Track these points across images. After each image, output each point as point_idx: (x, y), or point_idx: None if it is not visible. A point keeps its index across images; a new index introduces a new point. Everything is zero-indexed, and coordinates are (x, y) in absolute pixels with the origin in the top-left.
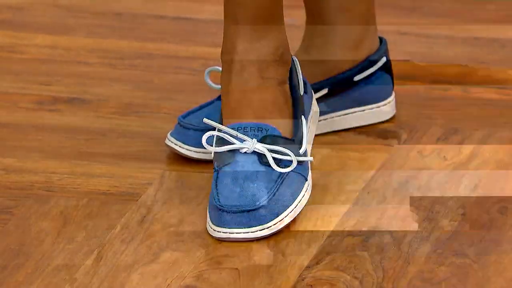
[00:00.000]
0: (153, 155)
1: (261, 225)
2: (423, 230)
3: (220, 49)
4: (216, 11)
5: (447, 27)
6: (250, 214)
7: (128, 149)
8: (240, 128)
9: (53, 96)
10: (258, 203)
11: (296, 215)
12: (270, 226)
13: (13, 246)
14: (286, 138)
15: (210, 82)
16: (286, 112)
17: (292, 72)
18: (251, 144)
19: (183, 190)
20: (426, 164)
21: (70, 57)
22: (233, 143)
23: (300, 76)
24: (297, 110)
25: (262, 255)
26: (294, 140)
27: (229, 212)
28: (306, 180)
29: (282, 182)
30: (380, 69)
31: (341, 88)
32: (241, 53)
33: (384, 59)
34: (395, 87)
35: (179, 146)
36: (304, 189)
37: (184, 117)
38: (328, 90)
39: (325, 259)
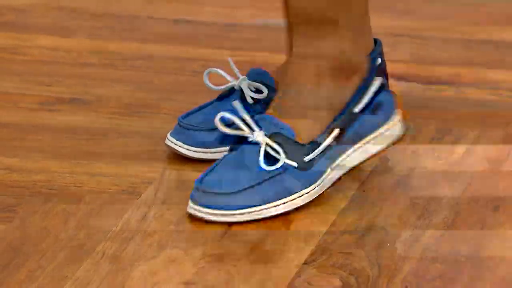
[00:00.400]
0: (153, 154)
1: (223, 210)
2: (418, 228)
3: (219, 51)
4: (216, 13)
5: (441, 29)
6: (217, 197)
7: (129, 148)
8: (261, 119)
9: (55, 97)
10: (228, 189)
11: (270, 214)
12: (233, 214)
13: (16, 244)
14: (295, 141)
15: (209, 84)
16: (318, 119)
17: (360, 89)
18: (256, 135)
19: (183, 189)
20: (420, 164)
21: (72, 58)
22: (242, 130)
23: (368, 96)
24: (335, 121)
25: (260, 252)
26: (305, 145)
27: (200, 191)
28: (306, 187)
29: (269, 178)
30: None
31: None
32: (301, 51)
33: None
34: (390, 88)
35: (179, 146)
36: (296, 194)
37: (183, 117)
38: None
39: (322, 256)
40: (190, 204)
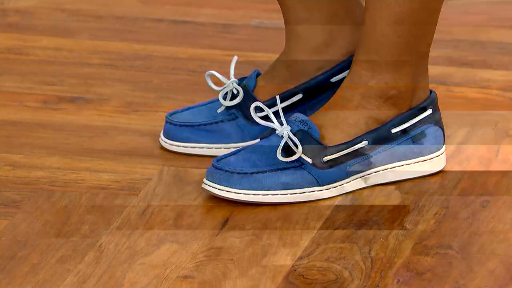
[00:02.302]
0: (152, 151)
1: (229, 187)
2: (409, 223)
3: (216, 51)
4: (213, 15)
5: None
6: (227, 175)
7: (129, 146)
8: (294, 117)
9: (58, 96)
10: (240, 169)
11: (275, 201)
12: (238, 193)
13: (20, 238)
14: (317, 141)
15: (211, 84)
16: (348, 129)
17: (406, 114)
18: (282, 128)
19: (181, 185)
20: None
21: (74, 59)
22: (272, 121)
23: (412, 122)
24: (366, 134)
25: (256, 246)
26: (327, 147)
27: (214, 167)
28: (318, 185)
29: (284, 169)
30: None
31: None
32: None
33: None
34: None
35: (169, 144)
36: (307, 189)
37: (170, 114)
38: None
39: (316, 251)
40: (204, 180)
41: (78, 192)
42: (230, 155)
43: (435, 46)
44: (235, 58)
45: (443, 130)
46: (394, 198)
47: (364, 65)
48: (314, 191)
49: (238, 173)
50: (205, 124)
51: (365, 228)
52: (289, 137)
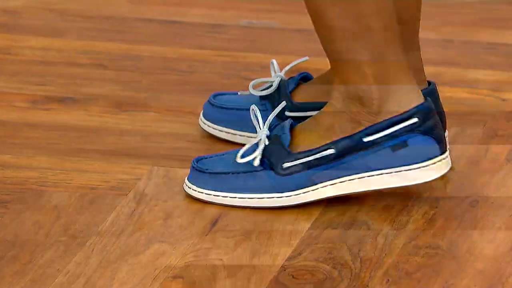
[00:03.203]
0: (141, 151)
1: (195, 186)
2: (399, 222)
3: (205, 51)
4: (202, 15)
5: (421, 30)
6: (196, 173)
7: (118, 146)
8: (281, 124)
9: (47, 96)
10: (206, 169)
11: (235, 204)
12: (201, 192)
13: (9, 238)
14: (284, 147)
15: (253, 90)
16: (319, 137)
17: (381, 124)
18: (259, 131)
19: (170, 185)
20: None
21: (63, 59)
22: (258, 125)
23: (386, 132)
24: (335, 142)
25: (246, 246)
26: (291, 153)
27: (191, 166)
28: (277, 191)
29: (246, 172)
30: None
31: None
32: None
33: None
34: None
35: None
36: (267, 195)
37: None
38: None
39: (306, 251)
40: (185, 179)
41: (67, 192)
42: (216, 156)
43: (424, 46)
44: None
45: (436, 138)
46: (383, 198)
47: (334, 69)
48: (273, 197)
49: (205, 172)
50: (237, 109)
51: (355, 228)
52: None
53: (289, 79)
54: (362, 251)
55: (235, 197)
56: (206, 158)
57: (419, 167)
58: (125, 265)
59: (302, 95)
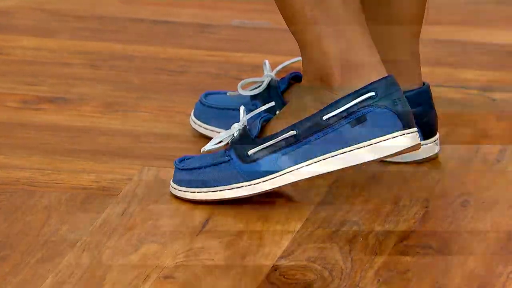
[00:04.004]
0: (132, 152)
1: (173, 183)
2: (390, 222)
3: (197, 51)
4: (193, 15)
5: None
6: (176, 171)
7: (109, 146)
8: (262, 116)
9: (38, 96)
10: (182, 166)
11: (208, 198)
12: (180, 190)
13: (0, 238)
14: (248, 135)
15: (242, 91)
16: (282, 120)
17: (337, 101)
18: (234, 124)
19: (161, 185)
20: (392, 160)
21: (54, 59)
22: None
23: (342, 108)
24: (295, 124)
25: (237, 247)
26: (255, 140)
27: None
28: (245, 180)
29: (214, 164)
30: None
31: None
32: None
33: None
34: None
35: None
36: (235, 185)
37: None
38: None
39: (297, 251)
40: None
41: (58, 193)
42: (198, 156)
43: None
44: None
45: (396, 112)
46: (374, 198)
47: (300, 48)
48: (242, 186)
49: (183, 170)
50: (228, 109)
51: (346, 228)
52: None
53: (280, 79)
54: (353, 251)
55: (208, 191)
56: (189, 158)
57: (383, 140)
58: (116, 266)
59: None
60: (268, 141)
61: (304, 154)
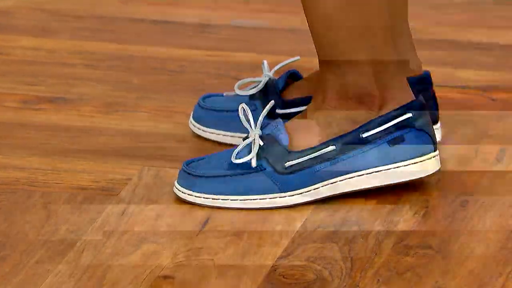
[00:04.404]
0: (132, 152)
1: (190, 190)
2: (390, 222)
3: (196, 51)
4: (193, 15)
5: (411, 31)
6: (190, 178)
7: (109, 146)
8: (272, 123)
9: (38, 96)
10: (201, 172)
11: (235, 206)
12: (198, 197)
13: (0, 238)
14: (283, 147)
15: (239, 91)
16: (317, 134)
17: (378, 119)
18: (251, 132)
19: (161, 185)
20: None
21: (54, 59)
22: (250, 125)
23: (384, 127)
24: (335, 139)
25: (236, 247)
26: (291, 152)
27: (182, 170)
28: (279, 191)
29: (245, 174)
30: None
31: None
32: (326, 77)
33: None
34: None
35: (196, 128)
36: (268, 196)
37: (203, 98)
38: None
39: (297, 251)
40: (175, 183)
41: (58, 193)
42: (202, 159)
43: (415, 47)
44: (265, 62)
45: (430, 135)
46: (374, 198)
47: (328, 67)
48: (276, 197)
49: (201, 176)
50: (226, 111)
51: (345, 228)
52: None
53: (278, 78)
54: (353, 251)
55: (236, 200)
56: (196, 161)
57: (414, 163)
58: (115, 265)
59: (293, 93)
60: (307, 155)
61: (341, 169)
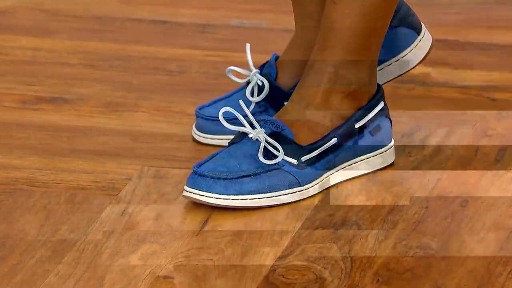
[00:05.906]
0: (132, 151)
1: (217, 194)
2: (389, 222)
3: (195, 51)
4: (192, 15)
5: None
6: (209, 180)
7: (108, 146)
8: (263, 120)
9: (37, 96)
10: (226, 175)
11: (261, 205)
12: (218, 198)
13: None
14: (294, 142)
15: (232, 76)
16: (318, 128)
17: (364, 109)
18: (256, 132)
19: (161, 185)
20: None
21: (53, 59)
22: (244, 126)
23: (370, 116)
24: (334, 131)
25: (236, 247)
26: (303, 147)
27: (197, 174)
28: (300, 185)
29: (267, 171)
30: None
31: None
32: (320, 67)
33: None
34: None
35: (203, 137)
36: (290, 190)
37: (200, 108)
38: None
39: (296, 251)
40: (186, 187)
41: (58, 192)
42: (206, 161)
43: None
44: (248, 46)
45: (391, 122)
46: (373, 198)
47: (328, 63)
48: (296, 191)
49: (224, 178)
50: (236, 118)
51: (345, 228)
52: (266, 140)
53: (267, 66)
54: (353, 251)
55: (263, 197)
56: (205, 163)
57: (389, 149)
58: (115, 265)
59: (287, 77)
60: (317, 148)
61: (342, 159)
